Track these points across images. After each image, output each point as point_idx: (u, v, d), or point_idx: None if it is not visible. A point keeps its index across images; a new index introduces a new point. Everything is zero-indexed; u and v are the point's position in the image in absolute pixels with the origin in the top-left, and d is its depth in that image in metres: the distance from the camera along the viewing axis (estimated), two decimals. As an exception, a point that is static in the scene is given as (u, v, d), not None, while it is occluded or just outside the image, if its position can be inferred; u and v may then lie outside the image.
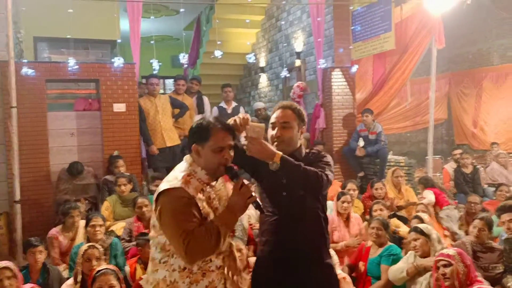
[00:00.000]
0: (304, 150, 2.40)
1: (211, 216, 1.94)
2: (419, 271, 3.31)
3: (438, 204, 5.63)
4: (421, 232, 3.41)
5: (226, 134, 1.98)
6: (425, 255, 3.38)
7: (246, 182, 2.04)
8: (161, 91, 11.49)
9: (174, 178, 1.94)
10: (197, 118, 6.19)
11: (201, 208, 1.90)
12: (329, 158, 2.38)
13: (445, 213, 5.50)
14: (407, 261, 3.42)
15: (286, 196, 2.31)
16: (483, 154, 10.05)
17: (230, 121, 2.18)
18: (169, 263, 1.92)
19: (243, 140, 2.25)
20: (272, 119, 2.38)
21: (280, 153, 2.11)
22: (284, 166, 2.10)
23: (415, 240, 3.41)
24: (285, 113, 2.36)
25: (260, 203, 2.11)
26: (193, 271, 1.91)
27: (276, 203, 2.35)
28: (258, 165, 2.32)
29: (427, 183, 5.85)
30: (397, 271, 3.40)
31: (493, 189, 6.39)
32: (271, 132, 2.35)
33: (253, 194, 1.96)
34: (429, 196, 5.54)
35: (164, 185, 1.91)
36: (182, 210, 1.84)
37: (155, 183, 5.39)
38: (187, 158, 2.06)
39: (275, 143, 2.31)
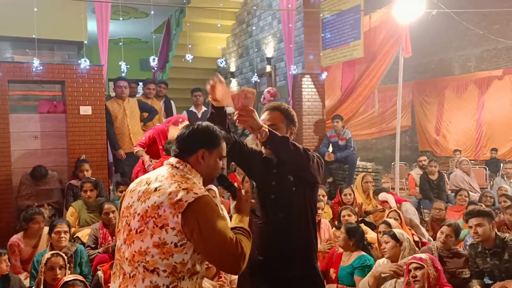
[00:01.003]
0: None
1: None
2: (380, 279, 3.34)
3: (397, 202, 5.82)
4: (393, 237, 3.45)
5: (225, 144, 1.94)
6: (394, 259, 3.42)
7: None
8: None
9: (188, 186, 1.72)
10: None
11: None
12: (317, 154, 2.40)
13: (405, 208, 5.66)
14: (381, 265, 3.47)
15: (275, 200, 2.31)
16: (446, 160, 10.39)
17: (207, 86, 2.13)
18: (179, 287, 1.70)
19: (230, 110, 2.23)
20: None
21: (266, 126, 2.09)
22: (272, 136, 2.07)
23: (386, 243, 3.46)
24: (273, 115, 2.34)
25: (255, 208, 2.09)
26: None
27: (265, 206, 2.35)
28: (252, 163, 2.31)
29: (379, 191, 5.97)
30: (362, 284, 3.44)
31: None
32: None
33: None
34: (390, 199, 5.65)
35: (186, 195, 1.68)
36: (221, 216, 1.72)
37: (120, 189, 5.25)
38: (176, 163, 1.85)
39: (264, 148, 2.30)
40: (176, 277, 1.68)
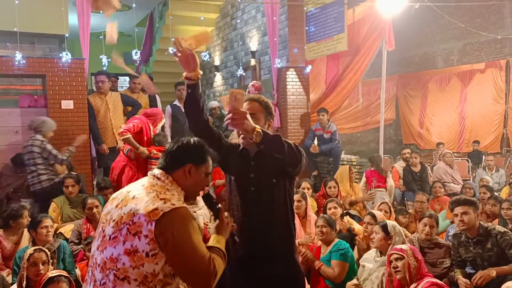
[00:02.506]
0: None
1: None
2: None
3: (369, 184, 6.39)
4: (384, 228, 3.44)
5: (212, 161, 1.94)
6: (382, 250, 3.45)
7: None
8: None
9: (166, 197, 1.71)
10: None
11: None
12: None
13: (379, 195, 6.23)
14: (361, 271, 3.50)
15: (254, 192, 2.31)
16: (429, 153, 10.52)
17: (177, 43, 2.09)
18: None
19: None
20: None
21: (259, 126, 2.09)
22: (265, 136, 2.08)
23: (376, 233, 3.47)
24: (252, 105, 2.36)
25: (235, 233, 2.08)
26: None
27: (244, 199, 2.34)
28: (229, 157, 2.31)
29: (373, 163, 6.56)
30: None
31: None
32: None
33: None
34: (362, 179, 6.52)
35: (163, 205, 1.66)
36: (197, 231, 1.69)
37: (104, 192, 5.03)
38: (159, 174, 1.83)
39: (241, 136, 2.30)
40: (147, 287, 1.65)
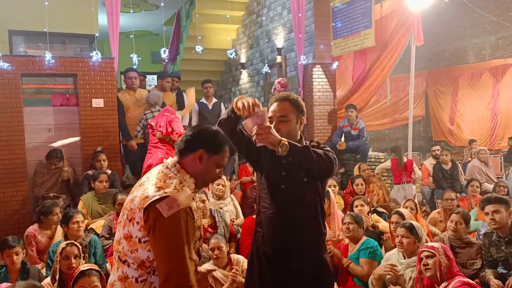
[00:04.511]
0: (304, 142, 2.37)
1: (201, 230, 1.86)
2: (384, 279, 3.32)
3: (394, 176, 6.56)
4: (411, 229, 3.33)
5: (229, 155, 1.92)
6: (410, 254, 3.34)
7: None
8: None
9: (162, 185, 1.71)
10: (177, 114, 6.13)
11: (196, 219, 1.76)
12: (328, 147, 2.38)
13: (396, 188, 6.44)
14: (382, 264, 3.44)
15: (284, 189, 2.30)
16: (460, 150, 10.26)
17: (238, 102, 2.12)
18: (149, 282, 1.68)
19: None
20: (269, 113, 2.31)
21: (285, 139, 2.08)
22: (292, 148, 2.07)
23: (403, 237, 3.34)
24: (282, 106, 2.30)
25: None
26: None
27: (274, 196, 2.33)
28: (260, 156, 2.31)
29: (396, 153, 6.58)
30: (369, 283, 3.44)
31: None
32: None
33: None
34: (387, 162, 6.62)
35: (155, 192, 1.66)
36: (182, 221, 1.64)
37: (129, 190, 5.20)
38: (170, 163, 1.84)
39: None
40: (145, 271, 1.67)
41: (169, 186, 1.70)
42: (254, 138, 2.06)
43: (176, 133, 5.39)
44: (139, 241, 1.66)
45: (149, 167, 5.26)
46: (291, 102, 2.32)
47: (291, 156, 2.08)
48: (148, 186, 1.73)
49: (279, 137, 2.06)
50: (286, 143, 2.05)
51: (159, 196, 1.64)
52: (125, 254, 1.69)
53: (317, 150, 2.17)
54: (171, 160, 1.87)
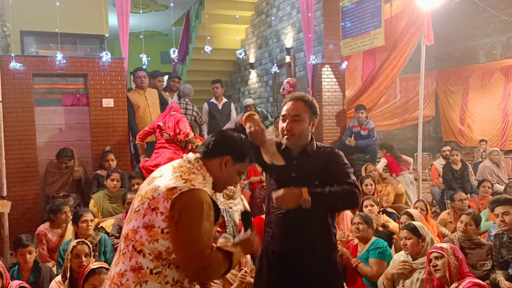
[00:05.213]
0: (315, 143, 2.37)
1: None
2: (395, 278, 3.30)
3: (392, 171, 6.57)
4: (414, 231, 3.31)
5: (249, 163, 1.99)
6: (416, 255, 3.32)
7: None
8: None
9: (189, 178, 1.73)
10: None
11: (219, 216, 1.80)
12: (342, 154, 2.37)
13: (400, 178, 6.40)
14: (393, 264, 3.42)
15: None
16: (471, 151, 10.17)
17: (247, 125, 2.14)
18: (163, 275, 1.66)
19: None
20: (283, 111, 2.33)
21: (305, 188, 2.08)
22: (315, 199, 2.07)
23: (406, 238, 3.33)
24: (297, 105, 2.31)
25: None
26: (184, 284, 1.72)
27: None
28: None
29: (388, 150, 6.75)
30: (379, 284, 3.42)
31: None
32: (282, 125, 2.31)
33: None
34: (382, 160, 6.62)
35: (183, 184, 1.68)
36: (208, 219, 1.67)
37: (132, 182, 5.25)
38: (192, 158, 1.86)
39: (285, 136, 2.29)
40: (161, 263, 1.66)
41: (196, 180, 1.73)
42: (275, 202, 2.13)
43: (183, 133, 5.41)
44: (162, 231, 1.65)
45: (157, 166, 5.28)
46: (306, 103, 2.33)
47: (315, 209, 2.09)
48: (172, 177, 1.74)
49: (299, 192, 2.07)
50: (308, 198, 2.05)
51: (187, 188, 1.66)
52: (142, 244, 1.67)
53: (337, 190, 2.15)
54: (192, 155, 1.88)
